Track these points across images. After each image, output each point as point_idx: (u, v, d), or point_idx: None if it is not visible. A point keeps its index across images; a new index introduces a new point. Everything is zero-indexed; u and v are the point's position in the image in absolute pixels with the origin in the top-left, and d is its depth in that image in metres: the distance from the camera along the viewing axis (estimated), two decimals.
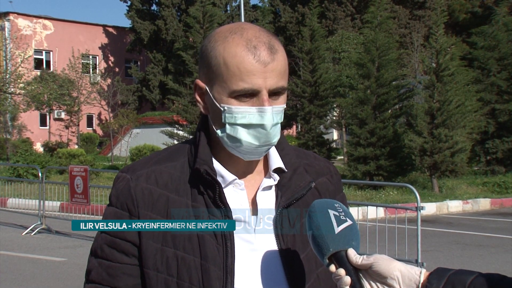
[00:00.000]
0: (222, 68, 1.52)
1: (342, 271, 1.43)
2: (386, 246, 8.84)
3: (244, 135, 1.53)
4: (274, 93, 1.54)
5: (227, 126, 1.54)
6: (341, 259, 1.45)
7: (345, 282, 1.42)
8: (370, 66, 18.85)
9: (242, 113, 1.52)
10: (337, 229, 1.46)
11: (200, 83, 1.60)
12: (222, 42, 1.53)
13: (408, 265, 1.47)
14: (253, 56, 1.50)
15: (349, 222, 1.49)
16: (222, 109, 1.54)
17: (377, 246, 8.98)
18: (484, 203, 16.59)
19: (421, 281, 1.42)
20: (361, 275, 1.46)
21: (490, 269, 8.83)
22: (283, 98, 1.57)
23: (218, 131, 1.57)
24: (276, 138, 1.56)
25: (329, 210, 1.49)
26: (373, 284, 1.46)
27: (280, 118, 1.56)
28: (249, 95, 1.52)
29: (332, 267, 1.46)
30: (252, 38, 1.52)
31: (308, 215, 1.51)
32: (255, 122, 1.52)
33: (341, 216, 1.49)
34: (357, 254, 1.46)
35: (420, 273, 1.43)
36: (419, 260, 8.39)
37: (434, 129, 17.76)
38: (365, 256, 1.46)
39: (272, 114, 1.52)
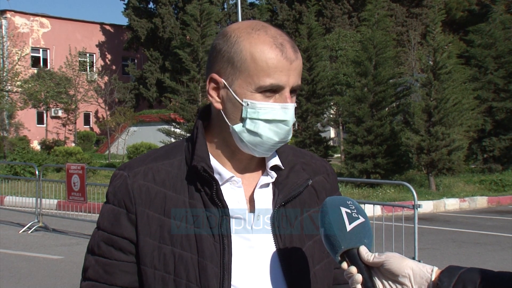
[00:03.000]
0: (249, 63, 1.53)
1: (353, 269, 1.44)
2: (383, 244, 8.84)
3: (265, 131, 1.54)
4: (291, 91, 1.57)
5: (248, 121, 1.55)
6: (353, 257, 1.45)
7: (356, 280, 1.42)
8: (368, 64, 18.86)
9: (265, 108, 1.54)
10: (349, 227, 1.46)
11: (217, 77, 1.59)
12: (247, 38, 1.55)
13: (420, 263, 1.46)
14: (281, 53, 1.53)
15: (361, 220, 1.48)
16: (244, 104, 1.55)
17: (374, 244, 8.98)
18: (481, 201, 16.61)
19: (433, 279, 1.42)
20: (373, 272, 1.46)
21: (487, 267, 8.82)
22: (295, 97, 1.61)
23: (235, 126, 1.57)
24: (290, 135, 1.59)
25: (341, 208, 1.49)
26: (384, 282, 1.45)
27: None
28: (273, 91, 1.54)
29: (344, 265, 1.46)
30: (276, 36, 1.56)
31: (320, 213, 1.50)
32: (279, 118, 1.54)
33: (353, 214, 1.48)
34: (369, 251, 1.46)
35: (432, 271, 1.43)
36: (416, 258, 8.39)
37: (431, 127, 17.77)
38: (376, 254, 1.46)
39: (293, 111, 1.56)
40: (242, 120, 1.56)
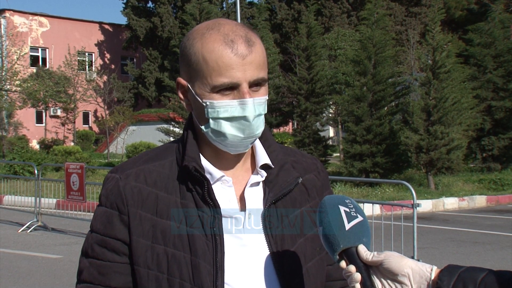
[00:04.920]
0: (202, 64, 1.53)
1: (352, 268, 1.43)
2: (382, 243, 8.85)
3: (228, 128, 1.54)
4: (254, 85, 1.55)
5: (211, 120, 1.56)
6: (351, 256, 1.45)
7: (355, 279, 1.42)
8: (367, 63, 18.86)
9: (224, 107, 1.53)
10: (348, 226, 1.45)
11: (182, 81, 1.62)
12: (200, 39, 1.55)
13: (419, 262, 1.46)
14: (231, 50, 1.51)
15: (359, 218, 1.48)
16: (204, 104, 1.55)
17: (373, 243, 8.96)
18: (480, 200, 16.62)
19: (432, 278, 1.42)
20: (371, 271, 1.45)
21: (486, 266, 8.83)
22: (264, 89, 1.58)
23: (203, 127, 1.59)
24: (260, 129, 1.58)
25: (340, 206, 1.49)
26: (383, 281, 1.45)
27: (263, 109, 1.57)
28: (230, 89, 1.53)
29: (343, 264, 1.45)
30: (229, 33, 1.54)
31: (318, 212, 1.50)
32: (237, 114, 1.53)
33: (351, 212, 1.48)
34: (367, 250, 1.46)
35: (431, 270, 1.43)
36: (415, 257, 8.39)
37: (430, 126, 17.78)
38: (375, 252, 1.45)
39: (254, 105, 1.54)
40: (207, 120, 1.57)
